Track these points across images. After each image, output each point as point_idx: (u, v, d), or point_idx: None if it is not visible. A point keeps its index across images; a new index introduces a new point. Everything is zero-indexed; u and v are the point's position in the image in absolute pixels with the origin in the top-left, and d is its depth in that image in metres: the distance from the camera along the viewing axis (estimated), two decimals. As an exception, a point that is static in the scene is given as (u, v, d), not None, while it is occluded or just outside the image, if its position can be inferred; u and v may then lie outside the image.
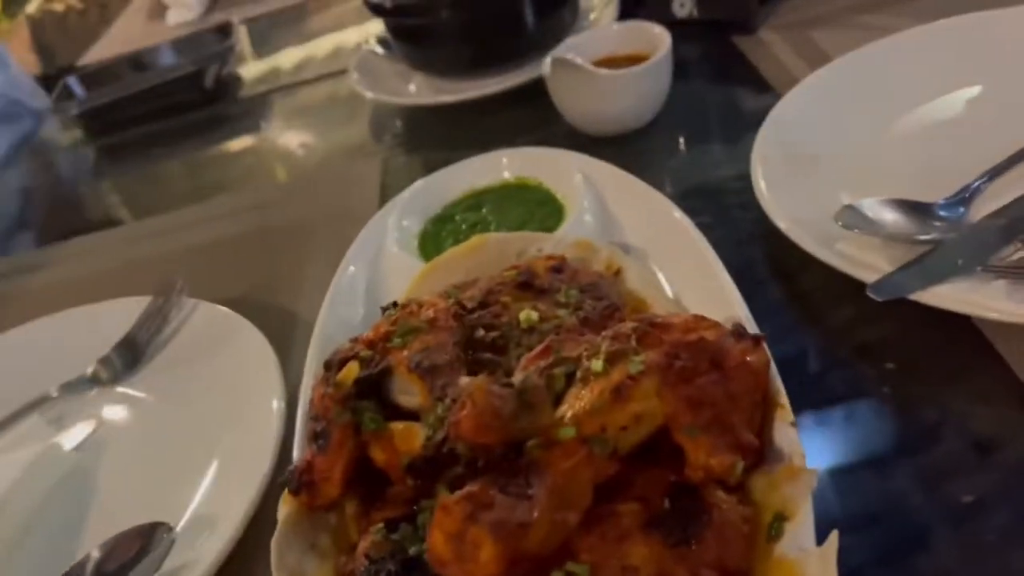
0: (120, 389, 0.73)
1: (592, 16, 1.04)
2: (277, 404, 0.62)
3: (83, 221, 1.10)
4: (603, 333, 0.50)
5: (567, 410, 0.45)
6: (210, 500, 0.58)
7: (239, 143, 1.16)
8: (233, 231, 0.92)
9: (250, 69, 1.32)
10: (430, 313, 0.55)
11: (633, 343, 0.48)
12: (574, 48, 0.86)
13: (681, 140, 0.86)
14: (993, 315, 0.53)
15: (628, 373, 0.46)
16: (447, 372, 0.51)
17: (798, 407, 0.48)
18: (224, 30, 1.29)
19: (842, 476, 0.52)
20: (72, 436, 0.68)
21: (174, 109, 1.24)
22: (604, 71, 0.82)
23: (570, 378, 0.48)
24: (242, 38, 1.31)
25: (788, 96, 0.77)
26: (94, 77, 1.31)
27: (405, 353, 0.53)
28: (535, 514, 0.41)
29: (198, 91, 1.23)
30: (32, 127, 1.39)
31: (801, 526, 0.44)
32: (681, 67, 0.87)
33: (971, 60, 0.76)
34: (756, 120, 0.74)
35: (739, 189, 0.72)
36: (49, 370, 0.74)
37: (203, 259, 0.83)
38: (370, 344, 0.55)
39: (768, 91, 0.86)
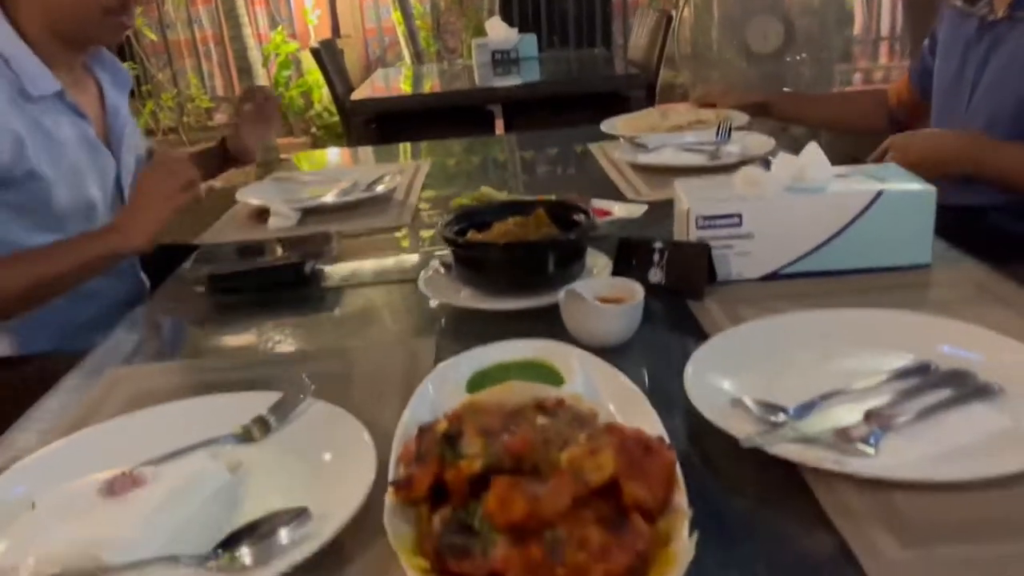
0: (259, 445, 1.09)
1: (595, 271, 1.52)
2: (374, 457, 0.99)
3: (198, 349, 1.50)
4: (586, 429, 0.90)
5: (565, 455, 0.84)
6: (329, 501, 0.94)
7: (325, 319, 1.59)
8: (322, 370, 1.32)
9: (335, 268, 1.78)
10: (489, 407, 0.95)
11: (603, 431, 0.88)
12: (581, 287, 1.32)
13: (641, 356, 1.30)
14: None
15: (600, 443, 0.86)
16: (497, 435, 0.90)
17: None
18: (326, 237, 1.77)
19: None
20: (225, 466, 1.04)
21: (276, 286, 1.68)
22: (600, 304, 1.27)
23: (566, 443, 0.87)
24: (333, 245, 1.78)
25: (712, 339, 1.22)
26: (218, 249, 1.78)
27: (472, 423, 0.92)
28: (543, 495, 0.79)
29: (298, 276, 1.68)
30: None
31: (683, 539, 0.81)
32: (648, 313, 1.33)
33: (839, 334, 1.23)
34: (692, 349, 1.18)
35: (675, 386, 1.14)
36: (205, 430, 1.11)
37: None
38: (450, 417, 0.94)
39: (703, 336, 1.31)
